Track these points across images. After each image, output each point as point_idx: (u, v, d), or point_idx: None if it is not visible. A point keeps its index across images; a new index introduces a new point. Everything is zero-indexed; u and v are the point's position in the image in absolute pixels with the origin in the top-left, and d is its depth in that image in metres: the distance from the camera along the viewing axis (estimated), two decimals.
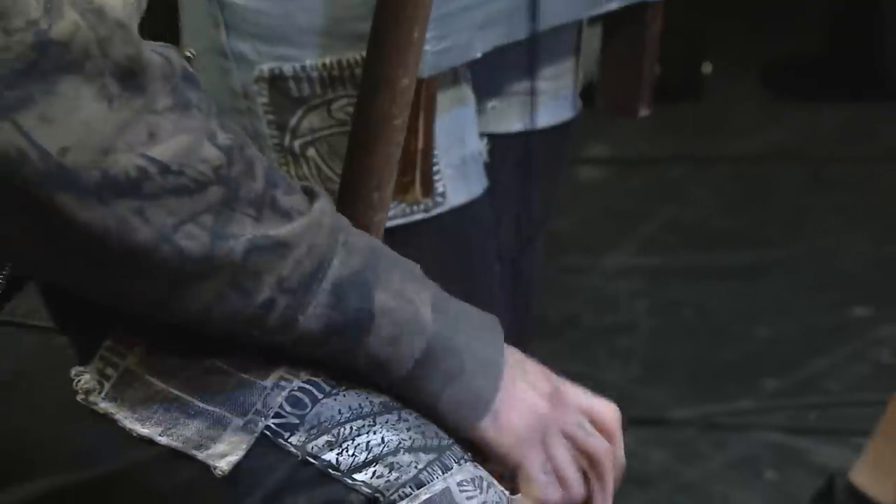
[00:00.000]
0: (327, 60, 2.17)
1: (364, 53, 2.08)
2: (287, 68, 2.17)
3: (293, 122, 2.19)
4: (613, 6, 2.35)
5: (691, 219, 4.31)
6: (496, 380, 1.81)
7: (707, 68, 4.69)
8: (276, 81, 2.17)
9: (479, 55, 2.20)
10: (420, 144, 2.17)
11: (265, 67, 2.16)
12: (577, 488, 1.85)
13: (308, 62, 2.17)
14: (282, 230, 1.70)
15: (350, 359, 1.74)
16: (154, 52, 1.63)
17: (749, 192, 4.41)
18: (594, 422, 1.88)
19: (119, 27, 1.62)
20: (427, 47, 2.10)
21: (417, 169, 2.18)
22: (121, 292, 1.70)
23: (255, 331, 1.71)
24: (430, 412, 1.77)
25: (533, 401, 1.83)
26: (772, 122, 4.66)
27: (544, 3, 2.20)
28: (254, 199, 1.69)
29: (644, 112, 2.46)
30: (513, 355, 1.83)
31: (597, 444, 1.87)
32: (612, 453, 1.89)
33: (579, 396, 1.87)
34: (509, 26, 2.20)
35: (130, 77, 1.62)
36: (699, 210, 4.35)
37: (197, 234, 1.66)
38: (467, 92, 2.25)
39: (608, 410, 1.88)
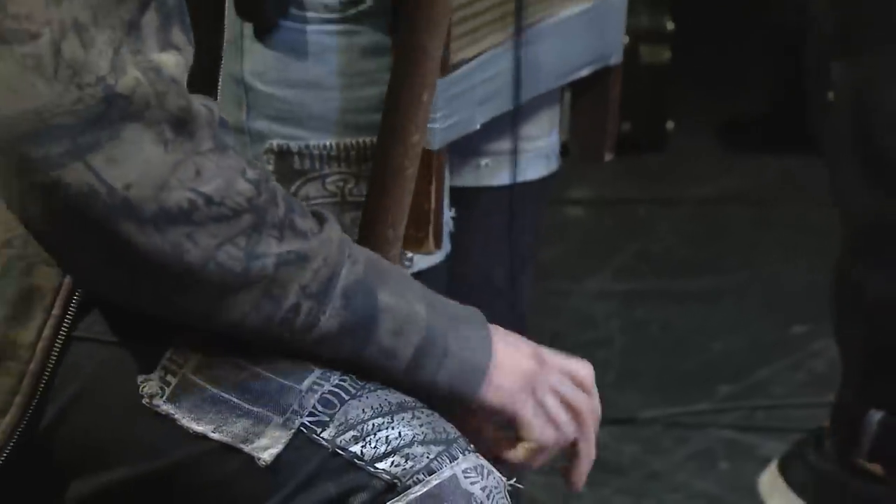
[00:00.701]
0: (328, 142, 2.15)
1: (359, 139, 2.13)
2: (293, 145, 2.15)
3: (292, 189, 2.16)
4: (583, 74, 2.33)
5: (657, 251, 4.29)
6: (487, 352, 1.80)
7: (670, 125, 4.66)
8: (282, 155, 2.16)
9: (478, 126, 2.19)
10: (432, 205, 2.17)
11: (275, 143, 2.15)
12: (569, 428, 1.86)
13: (312, 142, 2.15)
14: (302, 246, 1.69)
15: (362, 354, 1.74)
16: (200, 104, 1.61)
17: (705, 229, 4.40)
18: (573, 379, 1.88)
19: (173, 83, 1.61)
20: (437, 125, 2.12)
21: (430, 225, 2.18)
22: (175, 305, 1.68)
23: (286, 333, 1.70)
24: (433, 390, 1.77)
25: (519, 362, 1.83)
26: (724, 171, 4.63)
27: (527, 78, 2.17)
28: (277, 222, 1.68)
29: (608, 157, 2.48)
30: (497, 331, 1.83)
31: (578, 397, 1.87)
32: (591, 405, 1.88)
33: (559, 358, 1.87)
34: (501, 100, 2.20)
35: (182, 125, 1.61)
36: (663, 244, 4.33)
37: (235, 253, 1.65)
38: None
39: (584, 369, 1.89)
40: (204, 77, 1.79)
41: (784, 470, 3.02)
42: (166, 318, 1.71)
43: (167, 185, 1.61)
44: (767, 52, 4.59)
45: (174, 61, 1.63)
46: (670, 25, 4.64)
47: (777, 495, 3.03)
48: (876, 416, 2.79)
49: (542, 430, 1.84)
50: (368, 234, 2.08)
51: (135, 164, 1.60)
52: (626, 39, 4.48)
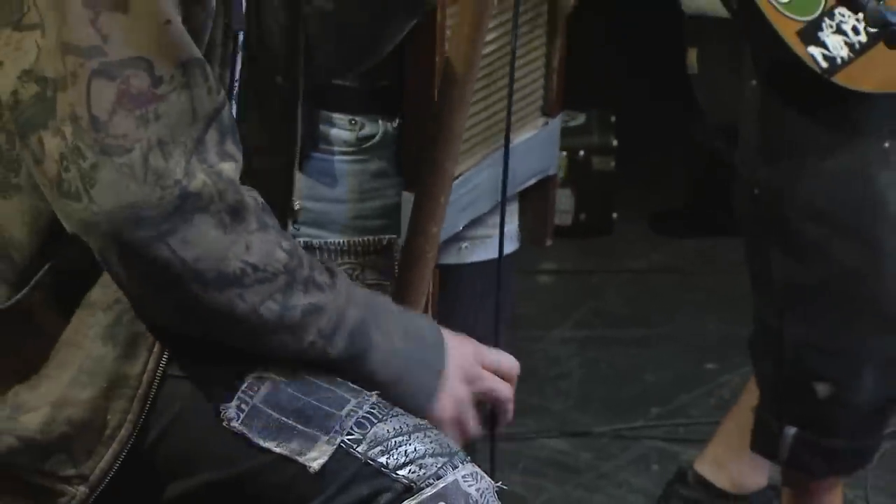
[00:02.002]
0: (341, 240, 2.14)
1: (365, 238, 2.13)
2: (315, 242, 2.14)
3: None
4: (531, 182, 2.33)
5: (605, 308, 4.24)
6: (436, 383, 1.80)
7: (615, 216, 4.65)
8: (308, 249, 2.15)
9: (460, 228, 2.19)
10: (430, 289, 2.16)
11: (302, 240, 2.09)
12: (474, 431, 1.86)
13: (329, 240, 2.14)
14: (320, 299, 1.69)
15: (359, 375, 1.74)
16: (249, 195, 1.60)
17: (641, 292, 4.35)
18: (498, 372, 1.87)
19: (230, 183, 1.60)
20: None
21: (428, 307, 2.18)
22: (228, 341, 1.68)
23: (300, 358, 1.70)
24: (400, 404, 1.75)
25: (457, 391, 1.82)
26: (654, 250, 4.61)
27: (493, 188, 2.17)
28: (303, 280, 1.68)
29: (549, 242, 2.48)
30: (451, 346, 1.83)
31: (500, 387, 1.86)
32: (510, 390, 1.88)
33: (489, 359, 1.87)
34: (477, 206, 2.21)
35: (236, 212, 1.59)
36: (610, 303, 4.28)
37: (273, 306, 1.65)
38: None
39: (508, 362, 1.89)
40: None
41: None
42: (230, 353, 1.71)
43: (225, 258, 1.61)
44: (687, 162, 4.58)
45: (230, 167, 1.62)
46: (614, 142, 4.61)
47: None
48: (791, 431, 2.72)
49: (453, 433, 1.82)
50: (403, 300, 2.06)
51: (202, 243, 1.60)
52: (581, 154, 4.55)
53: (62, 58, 1.55)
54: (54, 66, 1.56)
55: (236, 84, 1.73)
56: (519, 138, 2.30)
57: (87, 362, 1.68)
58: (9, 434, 1.68)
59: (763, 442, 2.78)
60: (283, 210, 1.82)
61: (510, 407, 1.89)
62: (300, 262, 1.68)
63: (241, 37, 1.71)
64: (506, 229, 2.33)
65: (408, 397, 1.77)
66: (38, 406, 1.68)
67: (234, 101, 1.73)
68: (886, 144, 2.59)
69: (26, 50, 1.57)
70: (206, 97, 1.61)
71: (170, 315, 1.67)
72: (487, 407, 1.89)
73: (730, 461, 3.01)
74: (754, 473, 3.01)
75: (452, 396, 1.81)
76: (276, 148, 1.84)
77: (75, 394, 1.68)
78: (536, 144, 2.35)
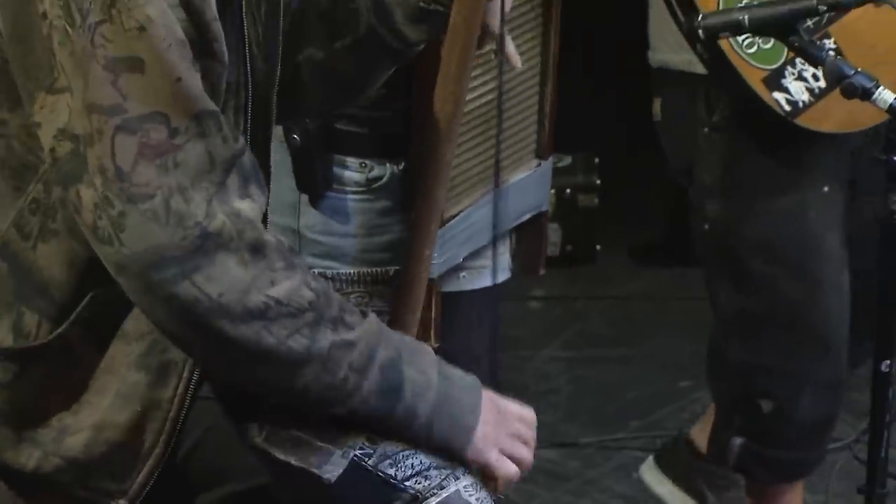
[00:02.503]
0: (351, 271, 2.13)
1: (372, 269, 2.13)
2: (329, 273, 2.12)
3: None
4: (525, 218, 2.33)
5: (590, 331, 4.23)
6: (475, 420, 1.73)
7: (598, 247, 4.64)
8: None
9: (461, 260, 2.19)
10: (433, 314, 2.16)
11: (316, 271, 2.09)
12: (526, 458, 1.78)
13: (341, 271, 2.13)
14: (349, 335, 1.65)
15: (390, 416, 1.68)
16: (272, 236, 1.59)
17: (622, 317, 4.35)
18: (521, 420, 1.80)
19: (249, 222, 1.57)
20: (434, 262, 2.10)
21: (432, 329, 2.17)
22: (257, 376, 1.64)
23: (339, 396, 1.65)
24: (438, 446, 1.71)
25: (489, 432, 1.74)
26: (634, 278, 4.61)
27: (489, 224, 2.15)
28: (331, 318, 1.64)
29: (542, 272, 2.48)
30: (484, 397, 1.75)
31: (525, 432, 1.79)
32: (533, 437, 1.80)
33: (513, 409, 1.79)
34: (476, 240, 2.20)
35: (256, 250, 1.57)
36: (594, 326, 4.28)
37: (300, 340, 1.61)
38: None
39: (528, 414, 1.81)
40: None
41: (659, 463, 2.97)
42: (253, 390, 1.68)
43: (248, 293, 1.58)
44: (662, 199, 4.58)
45: (250, 207, 1.60)
46: (597, 181, 4.62)
47: (657, 482, 2.97)
48: (737, 441, 2.73)
49: (502, 468, 1.76)
50: (395, 320, 2.05)
51: (224, 279, 1.57)
52: (568, 191, 4.56)
53: (88, 116, 1.54)
54: (82, 124, 1.54)
55: (249, 129, 1.72)
56: (514, 178, 2.30)
57: (123, 388, 1.66)
58: (55, 455, 1.67)
59: (715, 450, 2.80)
60: None
61: (531, 453, 1.81)
62: (329, 302, 1.64)
63: (250, 86, 1.70)
64: (499, 261, 2.36)
65: (448, 440, 1.71)
66: (80, 429, 1.67)
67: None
68: (826, 189, 2.61)
69: (59, 111, 1.56)
70: (222, 145, 1.58)
71: (204, 353, 1.64)
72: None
73: None
74: None
75: (488, 435, 1.74)
76: None
77: (113, 417, 1.66)
78: (530, 184, 2.35)
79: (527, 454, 1.78)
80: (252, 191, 1.61)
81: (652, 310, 4.34)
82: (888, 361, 2.17)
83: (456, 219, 2.17)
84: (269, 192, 1.77)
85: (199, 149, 1.56)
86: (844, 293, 2.63)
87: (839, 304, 2.63)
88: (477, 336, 2.32)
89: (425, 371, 1.69)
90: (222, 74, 1.61)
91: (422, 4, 1.78)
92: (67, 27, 1.52)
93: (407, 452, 1.69)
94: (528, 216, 2.38)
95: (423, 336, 2.12)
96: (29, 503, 1.70)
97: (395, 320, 2.05)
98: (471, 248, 2.23)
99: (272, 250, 1.60)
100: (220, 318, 1.57)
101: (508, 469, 1.75)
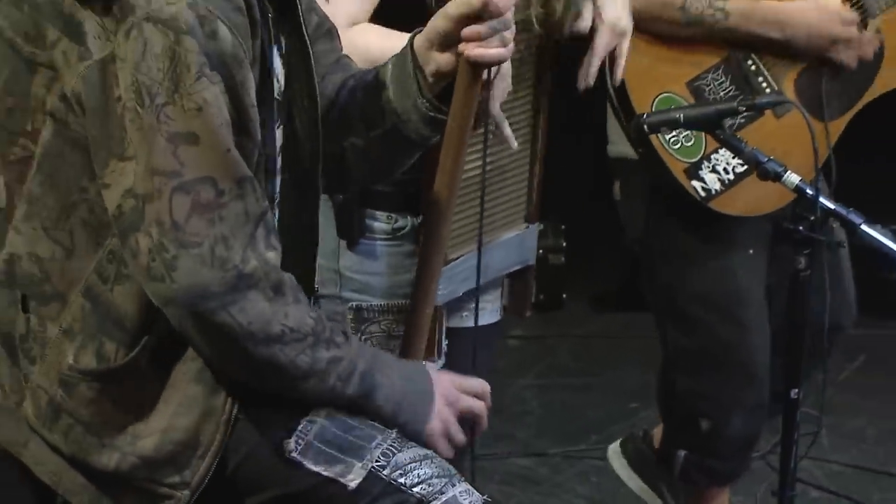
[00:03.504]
0: (382, 303, 2.09)
1: (399, 301, 2.08)
2: (363, 304, 2.09)
3: (362, 327, 2.11)
4: (514, 269, 2.29)
5: (558, 363, 4.21)
6: (428, 409, 1.72)
7: (564, 296, 4.61)
8: (358, 310, 2.10)
9: (460, 294, 2.14)
10: (436, 336, 2.13)
11: (353, 303, 2.07)
12: (462, 440, 1.76)
13: (373, 303, 2.09)
14: (338, 353, 1.64)
15: (366, 409, 1.68)
16: (287, 276, 1.57)
17: (584, 351, 4.32)
18: (472, 392, 1.78)
19: (273, 266, 1.56)
20: (439, 293, 2.05)
21: (435, 346, 2.14)
22: (271, 385, 1.64)
23: (327, 397, 1.65)
24: (402, 428, 1.70)
25: (444, 413, 1.74)
26: (594, 321, 4.58)
27: (485, 271, 2.09)
28: (325, 339, 1.64)
29: (528, 314, 2.44)
30: (435, 381, 1.75)
31: (475, 404, 1.78)
32: (484, 407, 1.79)
33: (463, 384, 1.78)
34: (471, 281, 2.12)
35: (278, 289, 1.56)
36: (562, 359, 4.25)
37: (305, 359, 1.61)
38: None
39: (480, 385, 1.80)
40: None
41: (623, 451, 2.94)
42: (264, 392, 1.66)
43: (270, 322, 1.58)
44: (618, 257, 4.56)
45: (273, 255, 1.60)
46: (564, 244, 4.62)
47: (620, 465, 2.93)
48: (681, 453, 2.71)
49: (445, 453, 1.75)
50: (408, 345, 2.02)
51: (253, 311, 1.57)
52: (540, 251, 4.54)
53: (151, 178, 1.52)
54: (145, 185, 1.53)
55: (277, 194, 1.71)
56: (506, 236, 2.28)
57: (184, 399, 1.65)
58: (132, 455, 1.65)
59: (663, 459, 2.78)
60: (307, 286, 1.78)
61: (485, 418, 1.81)
62: (324, 327, 1.64)
63: (278, 161, 1.70)
64: (492, 305, 2.35)
65: (409, 423, 1.71)
66: (150, 433, 1.65)
67: (276, 207, 1.72)
68: (751, 251, 2.59)
69: (126, 174, 1.54)
70: (255, 203, 1.58)
71: (233, 367, 1.63)
72: (469, 420, 1.81)
73: None
74: None
75: (441, 417, 1.74)
76: (300, 241, 1.80)
77: (177, 422, 1.65)
78: (520, 241, 2.32)
79: (460, 438, 1.75)
80: (273, 242, 1.60)
81: (608, 347, 4.34)
82: (796, 390, 2.16)
83: (457, 261, 2.15)
84: (318, 241, 1.78)
85: (239, 207, 1.55)
86: (766, 334, 2.61)
87: (762, 342, 2.61)
88: (474, 362, 2.30)
89: (391, 377, 1.69)
90: (254, 149, 1.60)
91: (431, 114, 1.76)
92: (138, 107, 1.51)
93: (415, 464, 1.67)
94: (517, 268, 2.35)
95: (429, 351, 2.09)
96: (110, 498, 1.69)
97: (407, 339, 2.02)
98: (468, 286, 2.19)
99: (287, 288, 1.60)
100: (247, 342, 1.57)
101: (444, 453, 1.73)
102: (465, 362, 2.24)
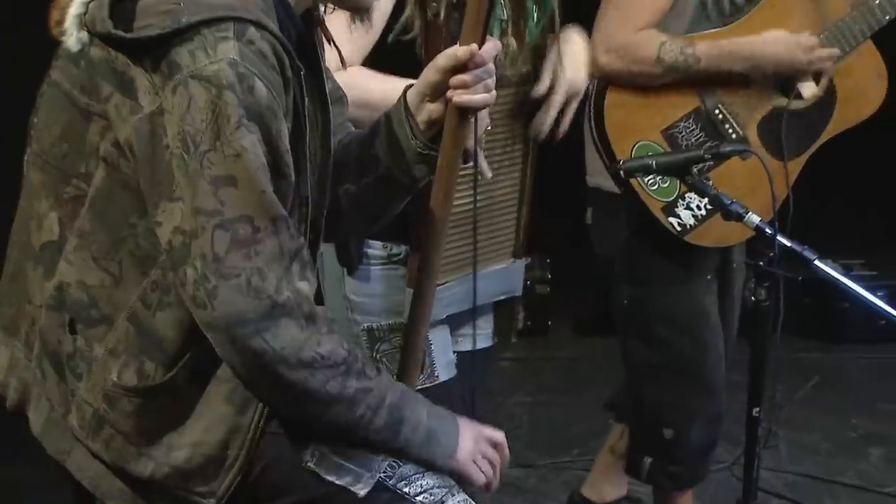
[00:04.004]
0: (390, 322, 2.08)
1: (399, 320, 2.04)
2: (374, 325, 2.08)
3: (376, 346, 2.09)
4: (502, 298, 2.27)
5: (545, 383, 4.22)
6: (455, 443, 1.69)
7: (549, 323, 4.62)
8: (370, 330, 2.07)
9: (444, 317, 2.11)
10: (422, 355, 2.09)
11: (365, 325, 2.06)
12: (493, 476, 1.72)
13: (382, 323, 2.08)
14: (369, 384, 1.61)
15: (394, 443, 1.64)
16: (320, 308, 1.55)
17: (568, 374, 4.33)
18: (492, 443, 1.75)
19: (306, 297, 1.55)
20: None
21: (426, 368, 2.12)
22: (300, 412, 1.61)
23: (356, 428, 1.61)
24: (428, 463, 1.67)
25: (468, 447, 1.70)
26: (576, 345, 4.59)
27: (467, 295, 2.09)
28: (356, 370, 1.60)
29: (514, 340, 2.43)
30: (463, 423, 1.71)
31: (494, 455, 1.74)
32: (503, 458, 1.75)
33: (487, 433, 1.74)
34: (456, 305, 2.13)
35: (310, 318, 1.54)
36: (548, 379, 4.26)
37: (335, 385, 1.59)
38: (448, 331, 2.16)
39: (499, 436, 1.76)
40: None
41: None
42: (296, 419, 1.64)
43: (302, 348, 1.56)
44: (597, 288, 4.57)
45: (307, 287, 1.58)
46: (549, 276, 4.63)
47: None
48: (648, 459, 2.72)
49: (479, 479, 1.72)
50: (404, 365, 1.97)
51: (286, 337, 1.55)
52: (528, 283, 4.56)
53: (195, 217, 1.52)
54: (190, 223, 1.53)
55: (308, 232, 1.70)
56: (493, 267, 2.26)
57: (215, 416, 1.64)
58: (165, 464, 1.65)
59: (632, 467, 2.78)
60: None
61: (502, 467, 1.75)
62: (356, 359, 1.61)
63: (310, 202, 1.70)
64: (485, 331, 2.33)
65: (437, 457, 1.67)
66: (183, 446, 1.64)
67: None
68: (709, 277, 2.62)
69: (175, 214, 1.53)
70: (290, 241, 1.56)
71: (266, 390, 1.60)
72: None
73: (600, 482, 2.99)
74: (615, 489, 2.98)
75: (467, 449, 1.69)
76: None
77: (207, 437, 1.64)
78: (507, 274, 2.29)
79: (489, 469, 1.72)
80: (308, 275, 1.59)
81: (589, 368, 4.34)
82: (757, 409, 2.16)
83: (443, 286, 2.11)
84: (318, 275, 1.74)
85: (273, 243, 1.54)
86: (721, 351, 2.61)
87: (718, 359, 2.61)
88: (466, 385, 2.27)
89: (418, 411, 1.65)
90: (289, 192, 1.60)
91: (424, 151, 1.76)
92: (184, 154, 1.51)
93: (417, 475, 1.66)
94: (504, 297, 2.33)
95: (422, 373, 2.08)
96: (144, 502, 1.68)
97: (403, 360, 1.97)
98: (451, 311, 2.16)
99: (320, 319, 1.58)
100: (280, 365, 1.54)
101: (478, 478, 1.71)
102: (461, 383, 2.24)
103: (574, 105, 2.17)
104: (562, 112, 2.15)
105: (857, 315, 2.38)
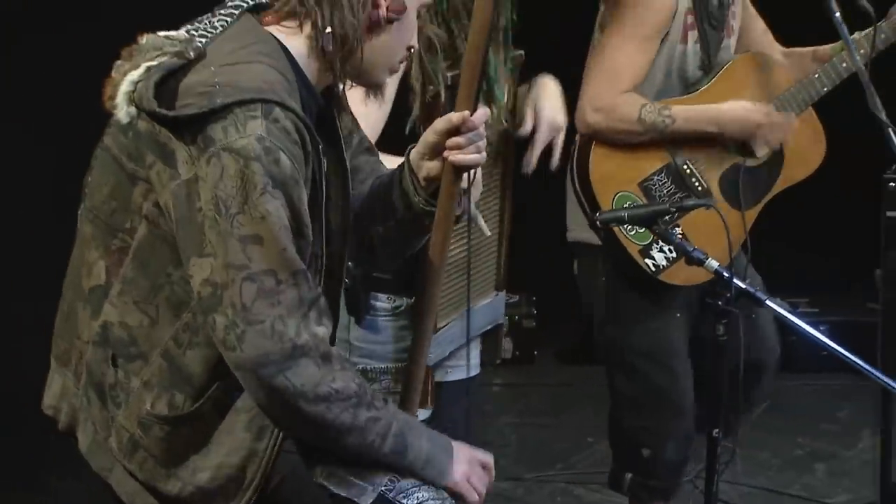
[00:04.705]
0: (382, 366, 2.06)
1: (397, 364, 2.03)
2: (368, 367, 2.05)
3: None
4: (488, 328, 2.26)
5: (531, 406, 4.18)
6: (451, 465, 1.69)
7: (536, 353, 4.58)
8: (365, 372, 2.04)
9: (447, 354, 2.12)
10: (429, 389, 2.09)
11: (360, 366, 2.02)
12: (482, 494, 1.72)
13: (376, 365, 2.06)
14: (377, 414, 1.61)
15: (400, 465, 1.65)
16: (335, 349, 1.55)
17: (552, 397, 4.30)
18: (482, 465, 1.74)
19: (322, 340, 1.56)
20: (430, 354, 2.01)
21: (430, 397, 2.09)
22: (317, 439, 1.60)
23: (366, 452, 1.62)
24: (431, 481, 1.68)
25: (462, 469, 1.70)
26: (559, 373, 4.56)
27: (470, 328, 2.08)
28: (366, 402, 1.59)
29: (498, 361, 2.42)
30: (457, 447, 1.72)
31: (484, 475, 1.73)
32: (490, 478, 1.74)
33: (478, 456, 1.74)
34: (454, 342, 2.12)
35: (326, 358, 1.54)
36: (534, 402, 4.23)
37: (348, 416, 1.59)
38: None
39: (489, 459, 1.75)
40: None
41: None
42: (313, 445, 1.64)
43: (319, 385, 1.56)
44: (578, 321, 4.54)
45: (323, 331, 1.59)
46: (534, 311, 4.61)
47: None
48: (628, 475, 2.69)
49: (471, 497, 1.72)
50: (405, 398, 1.95)
51: (305, 375, 1.56)
52: (516, 317, 4.55)
53: (225, 270, 1.54)
54: (221, 276, 1.55)
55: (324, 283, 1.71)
56: (482, 302, 2.26)
57: (235, 442, 1.64)
58: (191, 484, 1.65)
59: (614, 481, 2.76)
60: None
61: (488, 485, 1.75)
62: (366, 392, 1.62)
63: (324, 256, 1.70)
64: (474, 361, 2.31)
65: (436, 478, 1.68)
66: (206, 468, 1.64)
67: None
68: (678, 315, 2.61)
69: (205, 267, 1.55)
70: (308, 291, 1.58)
71: (287, 421, 1.61)
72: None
73: None
74: None
75: (461, 471, 1.70)
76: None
77: (228, 461, 1.64)
78: (492, 307, 2.30)
79: (480, 487, 1.72)
80: (324, 321, 1.60)
81: (570, 393, 4.30)
82: (717, 429, 2.15)
83: (444, 328, 2.13)
84: (336, 319, 1.75)
85: (293, 293, 1.55)
86: (690, 380, 2.61)
87: (688, 387, 2.61)
88: (459, 409, 2.27)
89: (419, 437, 1.67)
90: (307, 249, 1.61)
91: (426, 209, 1.79)
92: (216, 216, 1.53)
93: (414, 489, 1.66)
94: (490, 327, 2.33)
95: (423, 402, 2.05)
96: None
97: (405, 393, 1.96)
98: (454, 346, 2.17)
99: (335, 358, 1.59)
100: (300, 400, 1.56)
101: (470, 497, 1.71)
102: (455, 408, 2.22)
103: (560, 140, 2.20)
104: (550, 147, 2.18)
105: (803, 347, 2.37)
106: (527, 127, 2.15)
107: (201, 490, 1.64)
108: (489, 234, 2.15)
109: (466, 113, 1.72)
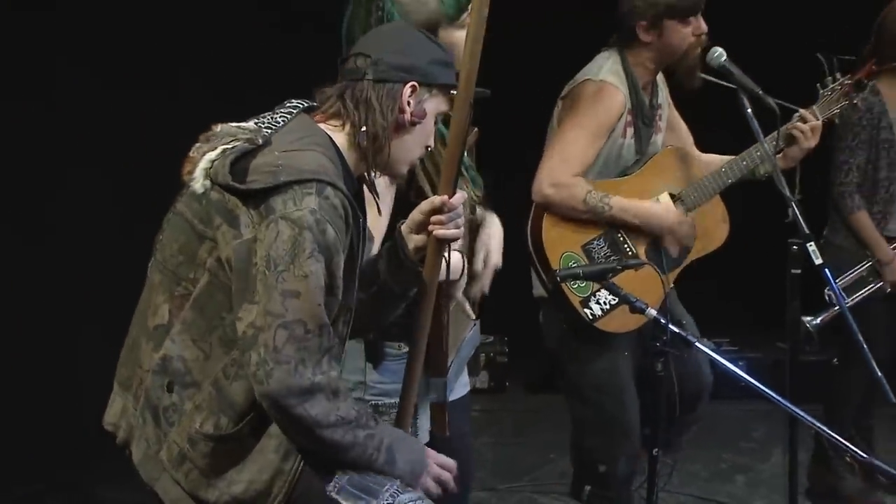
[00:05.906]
0: (392, 401, 1.97)
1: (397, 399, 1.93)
2: (379, 403, 1.98)
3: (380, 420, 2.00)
4: (472, 353, 2.19)
5: (504, 428, 4.14)
6: (423, 469, 1.69)
7: (507, 383, 4.55)
8: (376, 406, 1.97)
9: (453, 388, 2.05)
10: (447, 420, 2.01)
11: (372, 402, 1.97)
12: (446, 488, 1.71)
13: (385, 401, 1.98)
14: (372, 432, 1.63)
15: (393, 472, 1.65)
16: (344, 385, 1.56)
17: (521, 422, 4.26)
18: (445, 466, 1.73)
19: (334, 378, 1.56)
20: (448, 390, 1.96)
21: (447, 426, 2.01)
22: (325, 454, 1.63)
23: (365, 463, 1.62)
24: (408, 481, 1.66)
25: (433, 472, 1.70)
26: (528, 401, 4.51)
27: (461, 361, 2.03)
28: (363, 423, 1.63)
29: (478, 374, 2.33)
30: (427, 454, 1.70)
31: (447, 476, 1.72)
32: (449, 477, 1.72)
33: (441, 460, 1.72)
34: (459, 373, 2.07)
35: (336, 393, 1.54)
36: (506, 426, 4.19)
37: (349, 436, 1.61)
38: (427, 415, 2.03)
39: (451, 463, 1.74)
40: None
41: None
42: (329, 460, 1.64)
43: (329, 414, 1.58)
44: (544, 356, 4.51)
45: (335, 373, 1.61)
46: (506, 349, 4.57)
47: None
48: (588, 487, 2.70)
49: (435, 491, 1.71)
50: (400, 417, 1.88)
51: (320, 407, 1.58)
52: (491, 354, 4.51)
53: (265, 317, 1.56)
54: (260, 320, 1.57)
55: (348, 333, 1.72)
56: (468, 334, 2.20)
57: (266, 462, 1.65)
58: (226, 494, 1.66)
59: (574, 493, 2.77)
60: None
61: (451, 482, 1.75)
62: (362, 415, 1.64)
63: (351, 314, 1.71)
64: (463, 381, 2.25)
65: (413, 481, 1.69)
66: (240, 482, 1.65)
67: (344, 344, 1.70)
68: (626, 353, 2.64)
69: (252, 313, 1.57)
70: (328, 341, 1.59)
71: (304, 443, 1.63)
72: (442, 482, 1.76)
73: None
74: None
75: (432, 473, 1.72)
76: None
77: (259, 477, 1.65)
78: (474, 335, 2.25)
79: (443, 483, 1.71)
80: (335, 365, 1.63)
81: (536, 418, 4.28)
82: (656, 449, 2.18)
83: (451, 367, 2.07)
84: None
85: (317, 341, 1.58)
86: (637, 407, 2.64)
87: (635, 413, 2.63)
88: (465, 418, 2.24)
89: (403, 451, 1.67)
90: (334, 306, 1.64)
91: (416, 269, 1.78)
92: (266, 271, 1.56)
93: (412, 503, 1.66)
94: (472, 352, 2.29)
95: (441, 429, 1.97)
96: None
97: (400, 413, 1.89)
98: (452, 384, 2.12)
99: (342, 392, 1.62)
100: (315, 426, 1.59)
101: (434, 492, 1.69)
102: (462, 417, 2.19)
103: (488, 281, 2.14)
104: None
105: (725, 379, 2.40)
106: (478, 264, 2.11)
107: (235, 499, 1.64)
108: (473, 316, 2.14)
109: (445, 197, 1.74)
